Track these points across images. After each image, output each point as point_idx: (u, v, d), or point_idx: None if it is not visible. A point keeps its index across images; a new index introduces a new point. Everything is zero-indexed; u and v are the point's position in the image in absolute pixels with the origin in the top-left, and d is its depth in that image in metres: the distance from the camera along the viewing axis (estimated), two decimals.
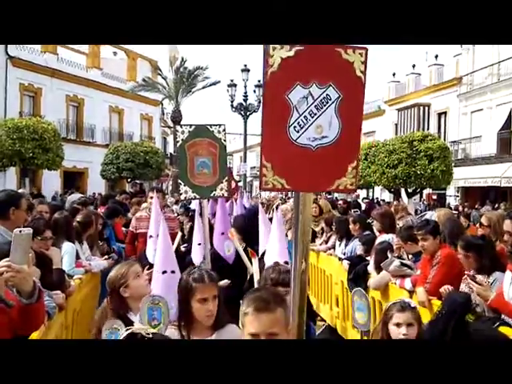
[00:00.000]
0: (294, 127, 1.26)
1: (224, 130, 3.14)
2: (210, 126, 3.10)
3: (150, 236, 4.00)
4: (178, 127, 3.11)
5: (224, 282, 3.93)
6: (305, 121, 1.26)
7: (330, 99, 1.27)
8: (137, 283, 2.27)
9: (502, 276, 2.91)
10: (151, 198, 4.68)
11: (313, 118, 1.27)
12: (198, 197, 3.10)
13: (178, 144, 3.02)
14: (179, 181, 3.06)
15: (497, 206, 15.85)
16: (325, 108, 1.27)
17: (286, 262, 2.78)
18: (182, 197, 3.16)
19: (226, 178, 3.19)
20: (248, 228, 5.45)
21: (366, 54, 1.27)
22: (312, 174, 1.30)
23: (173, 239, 3.63)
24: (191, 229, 5.39)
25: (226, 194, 3.27)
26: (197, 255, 3.97)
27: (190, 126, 3.07)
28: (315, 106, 1.27)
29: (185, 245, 5.10)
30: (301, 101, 1.25)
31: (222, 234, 3.97)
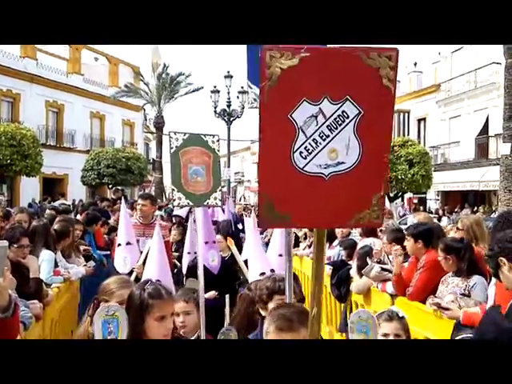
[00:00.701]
0: (301, 153, 1.04)
1: (218, 141, 3.11)
2: (204, 135, 3.07)
3: (119, 244, 3.89)
4: (171, 134, 3.06)
5: (212, 294, 3.86)
6: (314, 145, 1.04)
7: (348, 117, 1.04)
8: None
9: (481, 280, 2.95)
10: (142, 205, 4.48)
11: (324, 140, 1.05)
12: (191, 204, 3.05)
13: (172, 150, 2.97)
14: (172, 187, 3.00)
15: (476, 209, 16.23)
16: (340, 128, 1.04)
17: (272, 270, 2.73)
18: (175, 203, 3.09)
19: (220, 187, 3.15)
20: (234, 234, 5.41)
21: (397, 57, 1.00)
22: (324, 208, 1.07)
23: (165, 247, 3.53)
24: (179, 236, 5.32)
25: (219, 203, 3.23)
26: (186, 264, 3.88)
27: (184, 134, 3.03)
28: (327, 126, 1.04)
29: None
30: (308, 121, 1.03)
31: (206, 243, 3.85)
